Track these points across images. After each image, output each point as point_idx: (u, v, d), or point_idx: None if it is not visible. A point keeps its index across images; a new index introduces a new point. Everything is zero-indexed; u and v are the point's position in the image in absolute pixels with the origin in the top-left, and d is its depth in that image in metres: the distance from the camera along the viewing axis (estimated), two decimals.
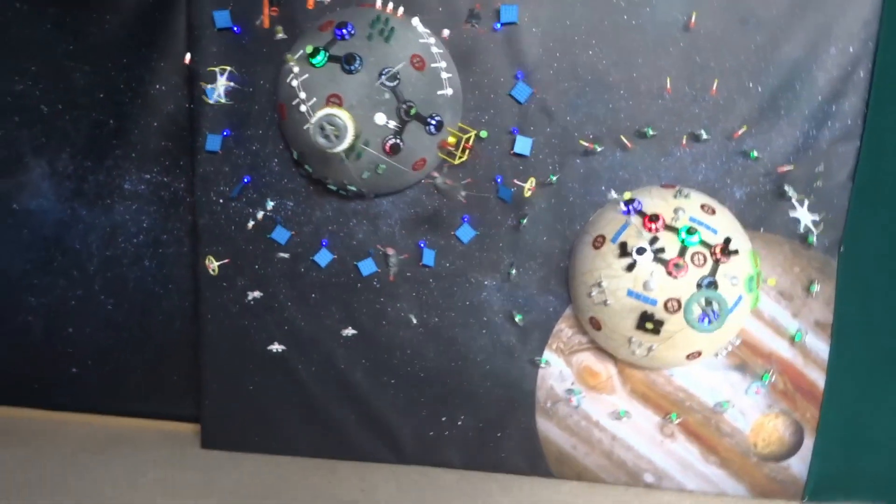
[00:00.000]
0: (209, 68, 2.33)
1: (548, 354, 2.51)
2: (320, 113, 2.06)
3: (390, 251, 2.38)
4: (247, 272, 2.50)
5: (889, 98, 2.18)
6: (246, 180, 2.42)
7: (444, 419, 2.58)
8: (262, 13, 2.26)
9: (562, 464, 2.58)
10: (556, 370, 2.53)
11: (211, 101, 2.32)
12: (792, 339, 2.38)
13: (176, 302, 2.69)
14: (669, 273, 2.14)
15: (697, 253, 2.17)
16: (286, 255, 2.45)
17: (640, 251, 2.16)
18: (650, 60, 2.21)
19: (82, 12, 2.44)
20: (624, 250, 2.18)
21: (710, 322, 2.02)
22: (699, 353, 2.29)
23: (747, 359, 2.45)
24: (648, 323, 2.15)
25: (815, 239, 2.30)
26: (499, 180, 2.35)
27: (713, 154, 2.30)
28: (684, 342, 2.22)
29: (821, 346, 2.41)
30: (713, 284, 2.13)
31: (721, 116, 2.24)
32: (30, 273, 2.74)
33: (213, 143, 2.40)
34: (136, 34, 2.46)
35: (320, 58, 2.13)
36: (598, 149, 2.25)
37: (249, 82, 2.35)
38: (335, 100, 2.12)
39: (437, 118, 2.20)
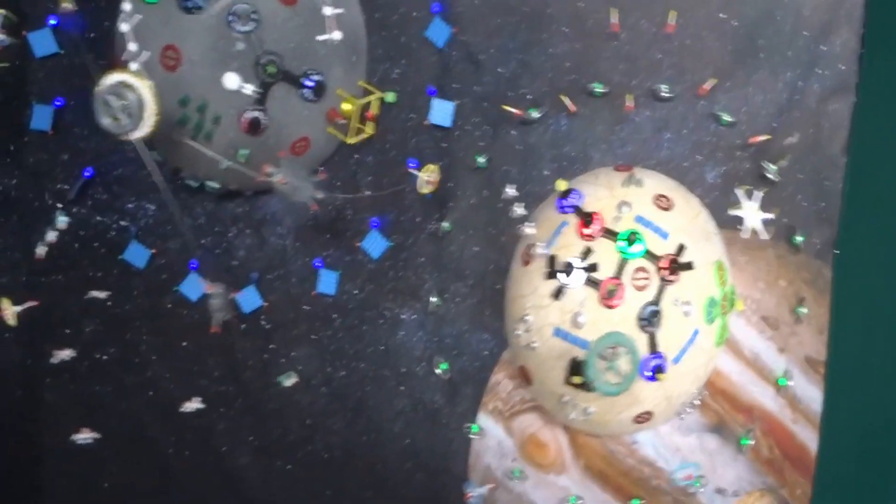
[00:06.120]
0: None
1: (482, 418, 2.04)
2: (106, 80, 1.58)
3: (211, 288, 1.88)
4: (86, 316, 1.99)
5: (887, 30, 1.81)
6: (87, 174, 1.90)
7: None
8: None
9: None
10: (493, 441, 2.05)
11: None
12: (778, 385, 1.97)
13: (16, 359, 2.04)
14: (602, 301, 1.71)
15: (640, 269, 1.71)
16: (100, 295, 1.97)
17: (567, 269, 1.71)
18: None
19: None
20: (552, 268, 1.77)
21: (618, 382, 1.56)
22: (649, 416, 1.86)
23: (726, 415, 1.98)
24: (576, 376, 1.70)
25: (800, 240, 1.88)
26: (413, 165, 1.87)
27: (679, 119, 1.88)
28: (626, 401, 1.77)
29: (813, 394, 1.96)
30: (656, 317, 1.69)
31: (687, 63, 1.86)
32: None
33: (42, 117, 1.85)
34: None
35: None
36: (536, 115, 1.85)
37: (91, 24, 1.83)
38: (171, 54, 1.64)
39: (315, 76, 1.69)
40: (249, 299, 2.03)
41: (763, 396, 1.97)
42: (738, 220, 1.93)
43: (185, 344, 2.05)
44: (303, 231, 2.00)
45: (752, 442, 1.96)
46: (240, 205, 2.00)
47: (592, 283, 1.72)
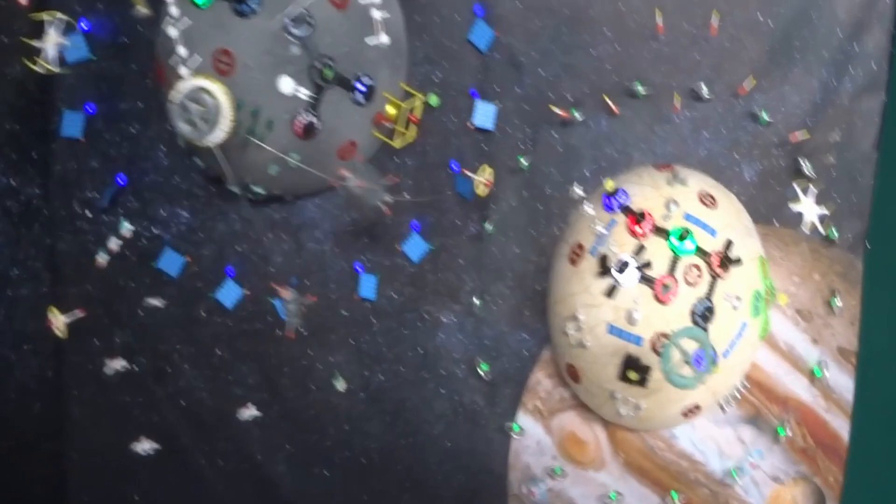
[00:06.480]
0: (32, 14, 1.73)
1: (522, 418, 2.04)
2: (184, 85, 1.55)
3: (286, 293, 1.83)
4: (118, 326, 1.94)
5: None
6: (120, 181, 1.84)
7: None
8: None
9: None
10: (532, 440, 2.04)
11: (39, 70, 1.74)
12: (812, 375, 2.00)
13: (35, 371, 2.00)
14: (657, 297, 1.73)
15: (692, 266, 1.75)
16: (157, 303, 1.93)
17: (622, 267, 1.73)
18: None
19: None
20: (605, 266, 1.79)
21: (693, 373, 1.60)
22: (697, 408, 1.90)
23: (762, 407, 2.02)
24: (632, 371, 1.73)
25: (836, 233, 1.94)
26: (455, 168, 1.86)
27: (717, 119, 1.91)
28: (677, 395, 1.83)
29: (845, 383, 2.01)
30: (709, 311, 1.72)
31: (726, 64, 1.90)
32: None
33: (72, 124, 1.78)
34: None
35: None
36: (579, 117, 1.86)
37: (123, 29, 1.77)
38: (224, 58, 1.59)
39: (366, 81, 1.67)
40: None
41: (797, 387, 2.02)
42: (773, 215, 1.96)
43: (218, 352, 1.99)
44: (341, 235, 1.97)
45: (790, 433, 2.00)
46: (277, 210, 1.95)
47: (647, 280, 1.76)
